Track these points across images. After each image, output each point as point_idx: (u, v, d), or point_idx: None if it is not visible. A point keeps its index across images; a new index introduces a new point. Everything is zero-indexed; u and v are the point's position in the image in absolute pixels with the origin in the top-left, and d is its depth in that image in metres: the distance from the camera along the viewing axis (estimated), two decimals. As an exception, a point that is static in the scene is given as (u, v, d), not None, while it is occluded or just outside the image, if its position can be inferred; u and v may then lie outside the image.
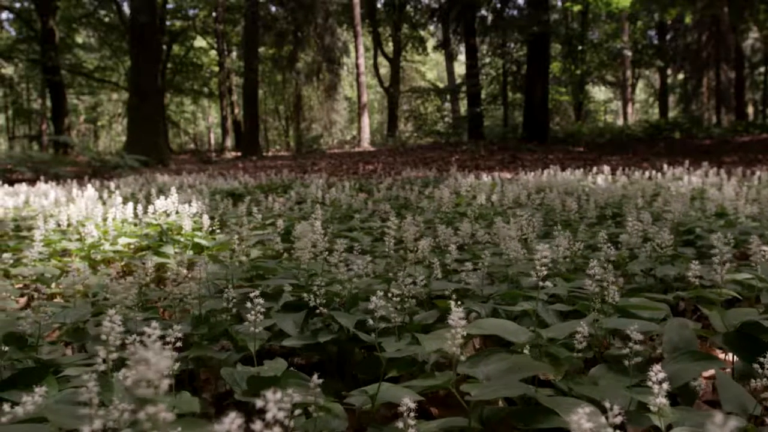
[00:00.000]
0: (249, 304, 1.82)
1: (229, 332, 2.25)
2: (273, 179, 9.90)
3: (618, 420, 1.24)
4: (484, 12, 28.98)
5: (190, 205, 4.76)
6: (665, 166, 9.13)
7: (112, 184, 8.12)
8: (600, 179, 8.14)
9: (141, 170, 17.12)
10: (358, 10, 30.72)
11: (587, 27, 30.88)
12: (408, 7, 35.25)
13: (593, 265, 2.01)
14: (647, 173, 8.77)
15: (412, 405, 1.51)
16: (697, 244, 3.92)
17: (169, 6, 31.32)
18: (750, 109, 32.05)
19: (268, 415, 0.94)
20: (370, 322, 1.78)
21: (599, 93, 40.31)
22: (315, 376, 1.61)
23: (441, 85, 37.04)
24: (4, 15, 31.90)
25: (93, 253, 4.56)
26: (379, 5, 35.43)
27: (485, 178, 8.76)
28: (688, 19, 25.88)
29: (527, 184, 6.91)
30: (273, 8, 32.65)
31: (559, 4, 30.04)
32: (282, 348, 2.49)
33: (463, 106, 33.82)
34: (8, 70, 31.61)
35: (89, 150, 19.36)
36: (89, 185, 7.36)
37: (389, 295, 2.08)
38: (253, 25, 26.04)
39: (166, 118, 30.91)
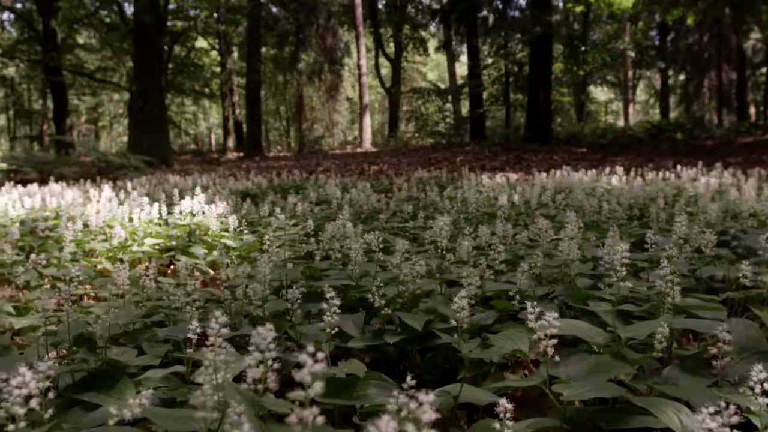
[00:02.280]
0: (325, 305, 1.81)
1: (289, 333, 2.23)
2: (285, 180, 9.88)
3: (734, 420, 1.23)
4: (485, 13, 28.97)
5: (216, 206, 4.74)
6: (679, 167, 9.14)
7: (129, 185, 8.09)
8: (614, 180, 8.14)
9: (145, 171, 17.08)
10: (359, 11, 30.70)
11: (589, 28, 30.92)
12: (409, 8, 35.25)
13: (664, 266, 2.00)
14: (661, 174, 8.77)
15: (510, 406, 1.51)
16: (732, 245, 3.91)
17: (171, 7, 31.25)
18: (752, 110, 32.12)
19: (425, 417, 0.93)
20: (453, 322, 1.76)
21: (600, 94, 40.37)
22: (409, 377, 1.60)
23: (442, 86, 37.04)
24: (5, 15, 31.84)
25: (121, 254, 4.53)
26: (380, 6, 35.41)
27: (498, 178, 8.76)
28: (690, 20, 25.92)
29: (547, 185, 6.91)
30: (274, 9, 32.64)
31: (561, 5, 30.08)
32: (337, 348, 2.47)
33: (464, 107, 33.82)
34: (10, 71, 31.51)
35: (94, 150, 19.29)
36: (106, 186, 7.34)
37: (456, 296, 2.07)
38: (255, 25, 26.03)
39: (167, 119, 30.81)
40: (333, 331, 1.81)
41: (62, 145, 23.83)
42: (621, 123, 35.71)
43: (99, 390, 1.75)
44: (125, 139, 40.09)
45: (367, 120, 31.54)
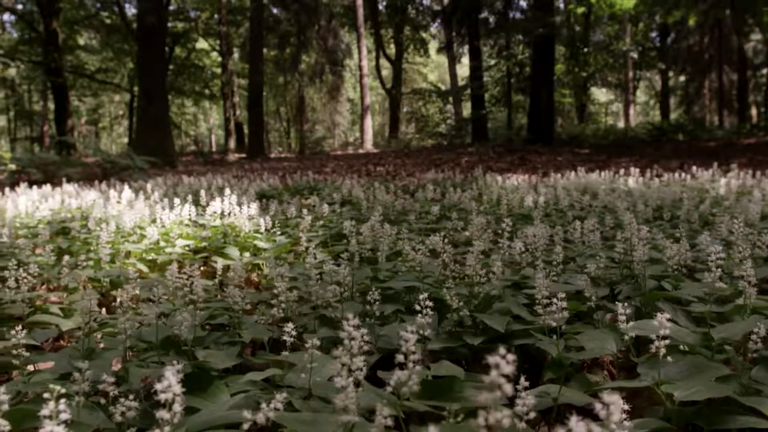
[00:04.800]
0: (417, 306, 1.80)
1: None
2: (298, 181, 9.87)
3: None
4: (486, 14, 28.99)
5: (249, 207, 4.72)
6: (694, 168, 9.16)
7: (149, 186, 8.05)
8: (631, 181, 8.14)
9: (150, 171, 17.04)
10: (361, 12, 30.71)
11: (590, 29, 30.99)
12: (410, 9, 35.29)
13: (747, 267, 2.00)
14: (676, 175, 8.79)
15: (626, 407, 1.49)
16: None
17: (171, 8, 31.18)
18: (753, 111, 32.24)
19: (614, 418, 0.92)
20: (553, 324, 1.75)
21: (601, 95, 40.45)
22: (523, 379, 1.59)
23: (442, 87, 37.07)
24: (6, 17, 31.71)
25: (153, 255, 4.51)
26: (381, 7, 35.43)
27: (515, 179, 8.75)
28: (692, 21, 26.01)
29: (568, 186, 6.91)
30: (275, 10, 32.59)
31: (562, 6, 30.12)
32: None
33: (465, 108, 33.84)
34: (11, 72, 31.40)
35: (99, 151, 19.22)
36: (126, 187, 7.31)
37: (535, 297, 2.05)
38: (257, 27, 25.98)
39: (171, 120, 30.71)
40: (426, 333, 1.79)
41: (64, 146, 23.76)
42: (621, 124, 35.79)
43: (193, 393, 1.74)
44: (125, 140, 39.98)
45: (369, 121, 31.54)
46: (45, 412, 1.10)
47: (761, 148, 20.03)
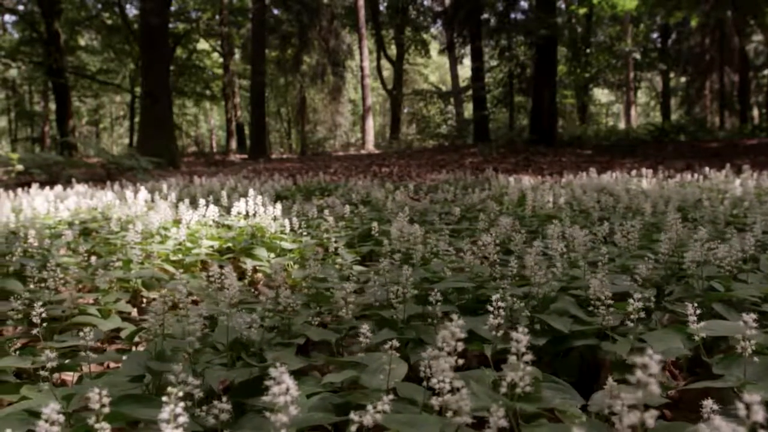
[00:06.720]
0: (490, 307, 1.80)
1: (422, 338, 2.21)
2: (309, 182, 9.86)
3: None
4: (487, 15, 28.98)
5: (274, 208, 4.71)
6: (707, 169, 9.18)
7: (164, 186, 8.03)
8: (644, 182, 8.15)
9: (153, 172, 17.02)
10: (362, 13, 30.71)
11: (592, 30, 31.03)
12: (411, 10, 35.30)
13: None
14: (688, 176, 8.81)
15: (715, 407, 1.49)
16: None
17: (173, 8, 31.16)
18: (755, 112, 32.34)
19: (758, 417, 0.92)
20: (627, 325, 1.75)
21: (602, 96, 40.50)
22: (610, 378, 1.58)
23: (443, 87, 37.08)
24: (7, 17, 31.66)
25: (178, 257, 4.49)
26: (382, 8, 35.43)
27: (526, 180, 8.76)
28: (693, 22, 26.06)
29: (585, 188, 6.91)
30: (276, 11, 32.56)
31: (563, 6, 30.15)
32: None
33: (467, 109, 33.86)
34: (12, 72, 31.33)
35: (103, 152, 19.19)
36: (142, 188, 7.29)
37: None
38: (259, 28, 25.97)
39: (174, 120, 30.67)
40: (500, 334, 1.79)
41: (65, 147, 23.72)
42: (622, 125, 35.85)
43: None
44: (126, 140, 39.92)
45: (370, 122, 31.56)
46: (164, 415, 1.10)
47: (763, 149, 20.06)
